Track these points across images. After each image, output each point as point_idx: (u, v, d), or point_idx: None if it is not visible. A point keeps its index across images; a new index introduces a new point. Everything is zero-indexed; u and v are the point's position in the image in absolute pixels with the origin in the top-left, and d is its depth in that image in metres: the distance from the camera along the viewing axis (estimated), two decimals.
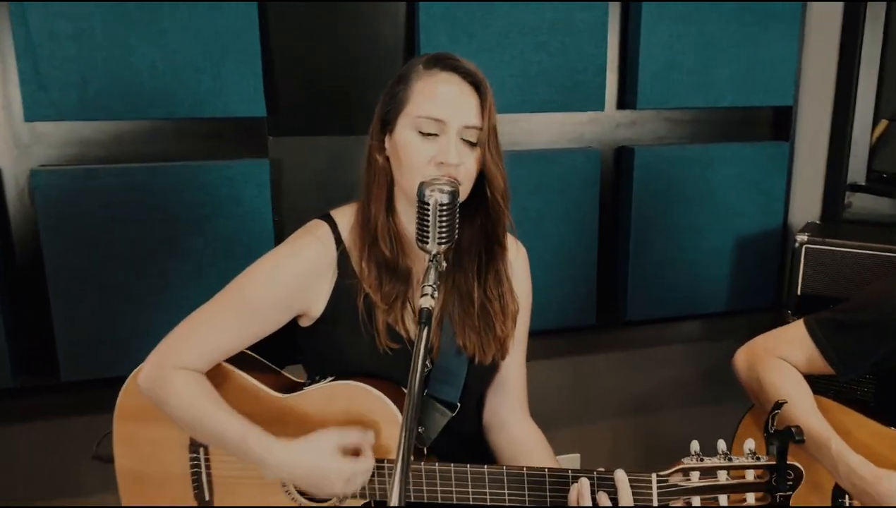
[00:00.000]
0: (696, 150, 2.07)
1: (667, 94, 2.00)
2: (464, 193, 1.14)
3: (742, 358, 1.51)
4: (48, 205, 1.65)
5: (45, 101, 1.60)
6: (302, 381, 1.27)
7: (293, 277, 1.19)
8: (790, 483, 1.06)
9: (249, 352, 1.28)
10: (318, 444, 1.11)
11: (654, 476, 1.08)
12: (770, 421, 1.06)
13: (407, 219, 1.20)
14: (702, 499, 1.07)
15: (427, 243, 1.02)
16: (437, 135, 1.12)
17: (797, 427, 1.03)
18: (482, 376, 1.28)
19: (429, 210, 1.01)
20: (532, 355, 2.12)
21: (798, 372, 1.44)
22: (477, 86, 1.14)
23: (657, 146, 2.06)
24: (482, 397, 1.35)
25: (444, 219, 1.01)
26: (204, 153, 1.76)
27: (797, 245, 1.96)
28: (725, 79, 2.03)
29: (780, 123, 2.17)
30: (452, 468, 1.14)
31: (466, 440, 1.30)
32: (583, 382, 2.21)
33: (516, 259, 1.31)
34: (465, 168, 1.13)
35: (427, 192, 1.01)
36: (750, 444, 1.07)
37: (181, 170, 1.70)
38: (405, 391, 1.21)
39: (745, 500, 1.07)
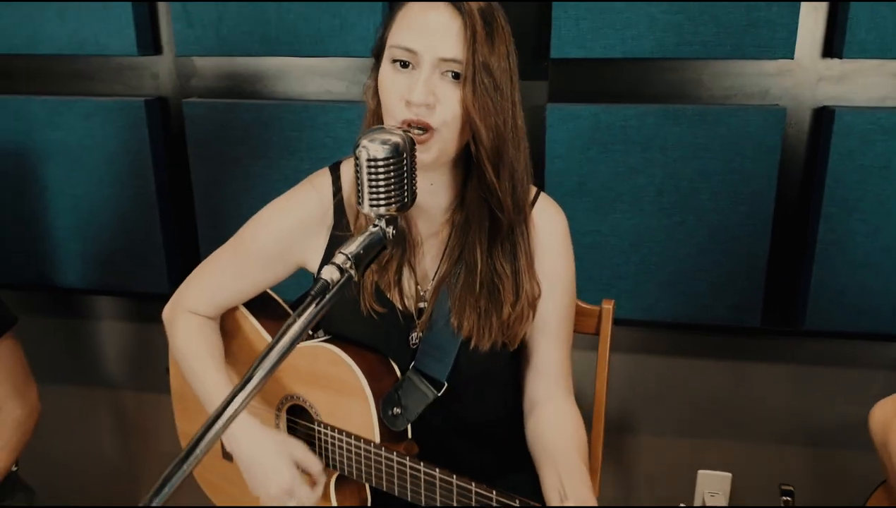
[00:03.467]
0: None
1: (892, 39, 1.50)
2: (449, 141, 0.98)
3: (879, 415, 1.11)
4: (196, 135, 1.80)
5: (191, 38, 1.73)
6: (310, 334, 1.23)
7: (285, 228, 1.13)
8: None
9: (280, 300, 1.27)
10: (282, 445, 1.08)
11: None
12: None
13: None
14: None
15: (361, 203, 0.87)
16: (414, 69, 0.97)
17: None
18: (478, 360, 1.10)
19: (360, 164, 0.86)
20: (678, 350, 1.84)
21: None
22: (463, 13, 0.95)
23: (872, 109, 1.57)
24: (498, 383, 1.17)
25: (381, 176, 0.85)
26: (330, 93, 1.78)
27: None
28: None
29: None
30: (408, 463, 1.01)
31: (468, 428, 1.15)
32: (742, 393, 1.82)
33: (546, 228, 1.09)
34: (445, 110, 0.96)
35: (361, 143, 0.85)
36: None
37: (302, 109, 1.73)
38: (391, 363, 1.11)
39: None
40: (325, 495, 1.13)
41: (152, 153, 1.83)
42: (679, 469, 1.91)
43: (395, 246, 1.07)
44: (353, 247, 0.85)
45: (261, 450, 1.08)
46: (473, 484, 0.96)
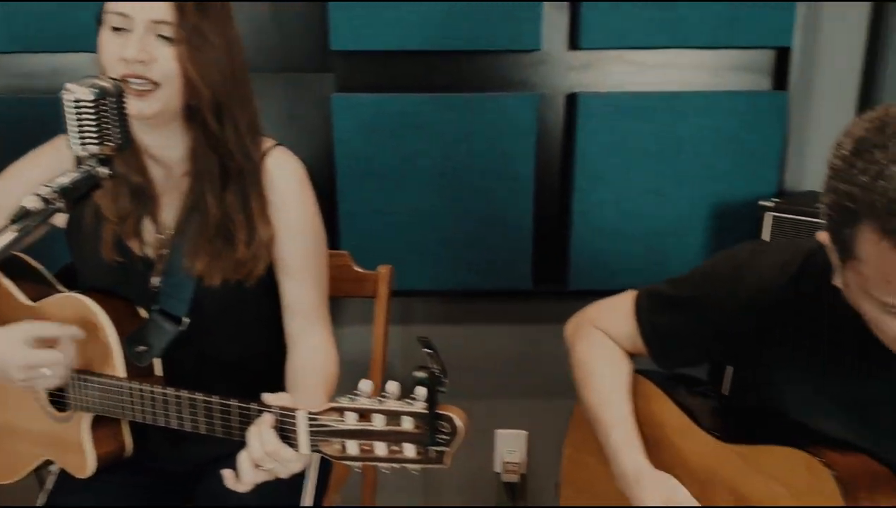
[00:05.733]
0: (657, 99, 1.78)
1: (622, 31, 1.75)
2: (172, 97, 1.10)
3: (570, 326, 1.30)
4: None
5: None
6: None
7: (22, 182, 1.21)
8: (444, 436, 0.88)
9: (33, 264, 1.33)
10: (9, 333, 1.11)
11: (301, 412, 0.96)
12: (429, 359, 0.89)
13: (138, 127, 1.16)
14: (360, 446, 0.93)
15: (72, 144, 0.95)
16: (128, 32, 1.08)
17: (441, 369, 0.86)
18: (217, 297, 1.20)
19: (67, 106, 0.94)
20: (467, 317, 2.01)
21: (618, 348, 1.20)
22: None
23: (612, 93, 1.81)
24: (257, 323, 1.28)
25: (90, 117, 0.93)
26: None
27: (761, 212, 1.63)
28: (702, 11, 1.72)
29: (779, 68, 1.80)
30: (149, 388, 1.10)
31: (222, 364, 1.25)
32: (524, 353, 2.01)
33: (281, 176, 1.22)
34: (161, 67, 1.08)
35: (67, 87, 0.94)
36: (393, 386, 0.90)
37: None
38: (136, 307, 1.19)
39: (401, 451, 0.91)
40: (79, 443, 1.18)
41: None
42: (478, 430, 2.06)
43: (134, 198, 1.17)
44: (61, 180, 0.93)
45: None
46: (215, 398, 1.06)
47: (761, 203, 1.63)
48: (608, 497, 1.18)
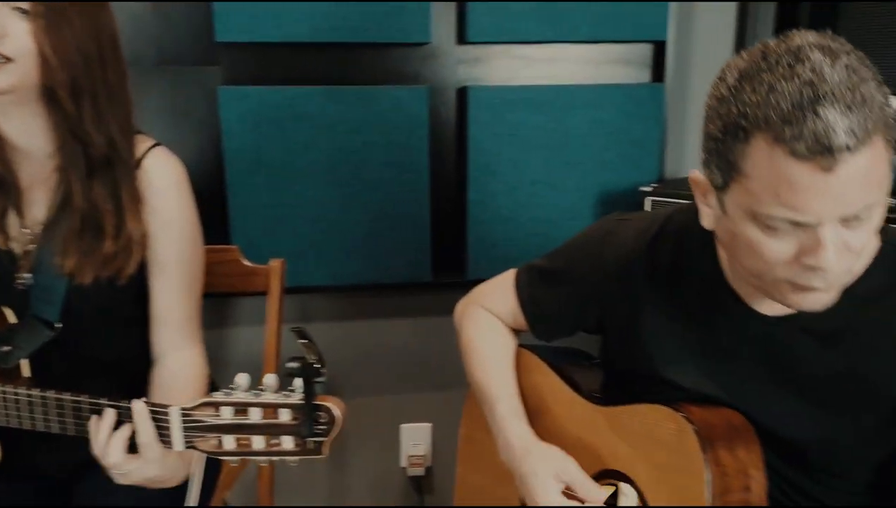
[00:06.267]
0: (544, 92, 1.83)
1: (505, 26, 1.78)
2: (27, 74, 1.05)
3: (459, 308, 1.33)
4: None
5: None
6: None
7: None
8: (322, 426, 0.88)
9: None
10: None
11: (175, 408, 0.93)
12: (305, 349, 0.88)
13: (3, 117, 1.10)
14: (237, 441, 0.91)
15: None
16: None
17: (317, 359, 0.85)
18: (88, 296, 1.15)
19: None
20: (364, 312, 2.00)
21: (501, 324, 1.24)
22: None
23: (501, 86, 1.84)
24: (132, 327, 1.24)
25: None
26: None
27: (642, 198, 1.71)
28: (583, 7, 1.78)
29: (657, 61, 1.89)
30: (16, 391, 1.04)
31: (96, 367, 1.20)
32: (426, 346, 2.02)
33: (158, 174, 1.18)
34: (14, 42, 1.02)
35: None
36: (270, 379, 0.90)
37: None
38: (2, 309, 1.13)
39: (280, 444, 0.90)
40: None
41: None
42: (384, 425, 2.06)
43: None
44: None
45: None
46: (84, 397, 1.01)
47: (641, 189, 1.71)
48: (499, 471, 1.20)
